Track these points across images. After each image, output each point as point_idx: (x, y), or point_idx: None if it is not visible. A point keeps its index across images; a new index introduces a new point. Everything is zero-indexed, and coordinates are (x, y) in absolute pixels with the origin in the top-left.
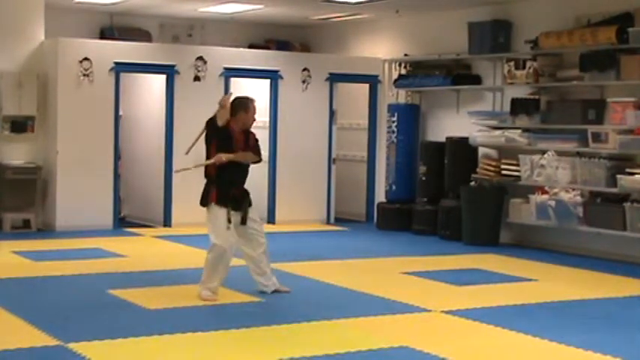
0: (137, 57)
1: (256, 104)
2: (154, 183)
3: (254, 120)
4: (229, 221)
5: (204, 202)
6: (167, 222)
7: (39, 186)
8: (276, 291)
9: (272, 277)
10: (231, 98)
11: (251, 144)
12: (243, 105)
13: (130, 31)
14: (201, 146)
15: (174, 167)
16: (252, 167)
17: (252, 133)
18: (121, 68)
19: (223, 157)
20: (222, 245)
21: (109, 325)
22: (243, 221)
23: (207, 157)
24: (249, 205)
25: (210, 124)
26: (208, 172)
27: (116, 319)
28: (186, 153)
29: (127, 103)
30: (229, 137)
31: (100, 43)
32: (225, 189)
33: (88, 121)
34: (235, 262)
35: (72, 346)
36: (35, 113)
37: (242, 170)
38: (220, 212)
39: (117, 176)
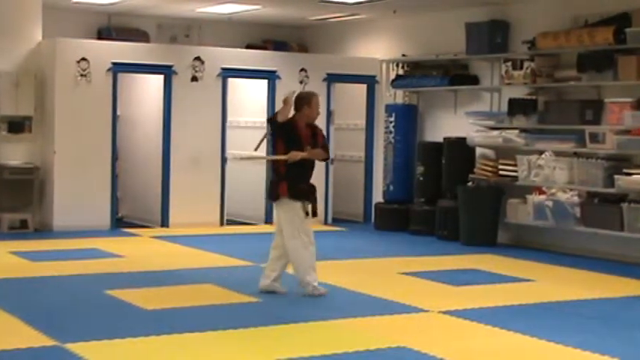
0: (135, 57)
1: (320, 98)
2: (152, 183)
3: (318, 113)
4: (307, 213)
5: (275, 196)
6: (165, 222)
7: (36, 186)
8: (271, 291)
9: (279, 278)
10: (295, 95)
11: (319, 141)
12: (307, 99)
13: (127, 31)
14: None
15: (171, 169)
16: (247, 166)
17: (319, 129)
18: (118, 68)
19: (298, 155)
20: (297, 239)
21: (107, 326)
22: (314, 214)
23: (275, 154)
24: (315, 200)
25: (273, 122)
26: (278, 168)
27: (113, 320)
28: (255, 149)
29: (124, 103)
30: (296, 133)
31: (97, 44)
32: (295, 184)
33: (85, 121)
34: (233, 262)
35: (69, 346)
36: (32, 113)
37: (310, 167)
38: (295, 205)
39: (114, 176)
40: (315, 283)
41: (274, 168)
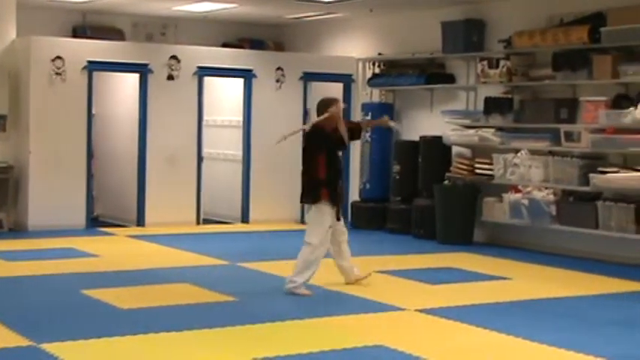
0: (110, 56)
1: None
2: (128, 182)
3: (340, 117)
4: (338, 218)
5: (314, 199)
6: (140, 221)
7: (11, 185)
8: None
9: (353, 267)
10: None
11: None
12: (328, 105)
13: (102, 29)
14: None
15: (147, 168)
16: (228, 166)
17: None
18: (94, 67)
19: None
20: (319, 243)
21: (82, 325)
22: (338, 217)
23: (316, 168)
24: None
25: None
26: (317, 173)
27: (89, 319)
28: (279, 141)
29: (100, 102)
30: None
31: (72, 42)
32: (333, 188)
33: (60, 120)
34: (209, 261)
35: (45, 346)
36: (7, 112)
37: (341, 170)
38: (328, 210)
39: (90, 175)
40: (302, 281)
41: (311, 172)
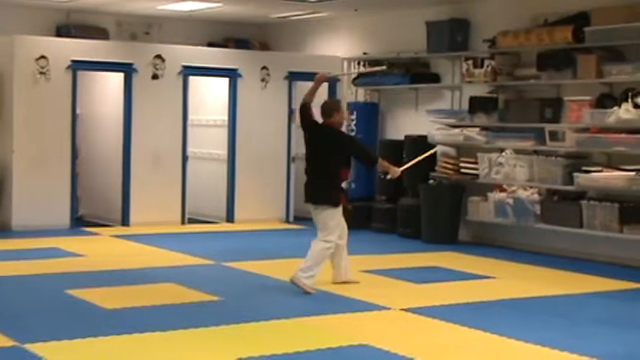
0: (94, 55)
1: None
2: (112, 182)
3: (344, 119)
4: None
5: (335, 202)
6: (125, 221)
7: None
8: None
9: (349, 269)
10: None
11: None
12: (336, 106)
13: (86, 28)
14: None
15: (132, 168)
16: (213, 166)
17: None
18: (78, 66)
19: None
20: (334, 242)
21: (67, 326)
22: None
23: (338, 172)
24: None
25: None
26: (339, 174)
27: (73, 320)
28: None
29: (84, 101)
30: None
31: (56, 41)
32: (345, 191)
33: (44, 119)
34: (194, 261)
35: (28, 346)
36: None
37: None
38: (340, 212)
39: (74, 175)
40: (313, 280)
41: (335, 174)
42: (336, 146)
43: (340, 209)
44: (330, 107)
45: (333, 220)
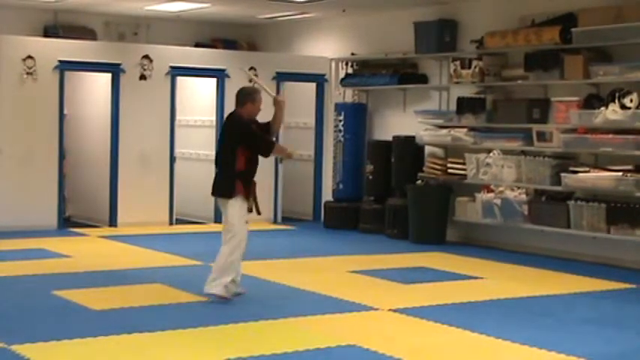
0: (82, 55)
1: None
2: (100, 182)
3: (259, 110)
4: (250, 210)
5: (228, 194)
6: (113, 222)
7: None
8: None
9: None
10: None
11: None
12: (251, 96)
13: (74, 29)
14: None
15: (119, 168)
16: (201, 166)
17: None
18: (65, 67)
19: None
20: (241, 237)
21: (54, 327)
22: (258, 211)
23: (235, 161)
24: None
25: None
26: (234, 164)
27: (61, 321)
28: None
29: (72, 102)
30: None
31: (43, 41)
32: (249, 182)
33: (32, 120)
34: (182, 261)
35: (15, 348)
36: None
37: (258, 163)
38: (244, 205)
39: (62, 176)
40: (228, 288)
41: (229, 163)
42: (232, 135)
43: (240, 203)
44: (245, 95)
45: (234, 217)
